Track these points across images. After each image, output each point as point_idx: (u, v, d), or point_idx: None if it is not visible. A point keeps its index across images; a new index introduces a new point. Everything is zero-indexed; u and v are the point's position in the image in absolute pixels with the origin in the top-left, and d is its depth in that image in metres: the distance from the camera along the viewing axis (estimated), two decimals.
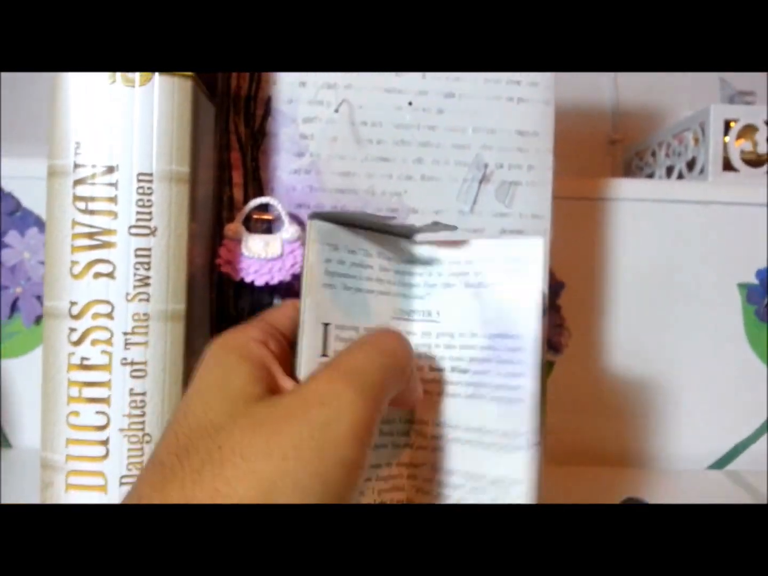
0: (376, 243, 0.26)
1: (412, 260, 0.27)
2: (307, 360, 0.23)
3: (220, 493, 0.18)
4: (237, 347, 0.23)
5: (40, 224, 0.46)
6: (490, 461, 0.24)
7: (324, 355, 0.24)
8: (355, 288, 0.25)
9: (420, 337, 0.26)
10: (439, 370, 0.26)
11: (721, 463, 0.51)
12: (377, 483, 0.25)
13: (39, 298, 0.47)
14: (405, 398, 0.24)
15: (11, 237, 0.46)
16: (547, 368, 0.49)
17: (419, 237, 0.27)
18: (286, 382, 0.23)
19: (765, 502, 0.46)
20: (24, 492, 0.39)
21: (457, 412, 0.25)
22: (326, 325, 0.24)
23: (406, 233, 0.27)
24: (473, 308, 0.25)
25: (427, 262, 0.27)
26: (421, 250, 0.27)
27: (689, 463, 0.50)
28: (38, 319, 0.47)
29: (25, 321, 0.47)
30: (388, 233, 0.27)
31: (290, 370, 0.23)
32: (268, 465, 0.19)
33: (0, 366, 0.47)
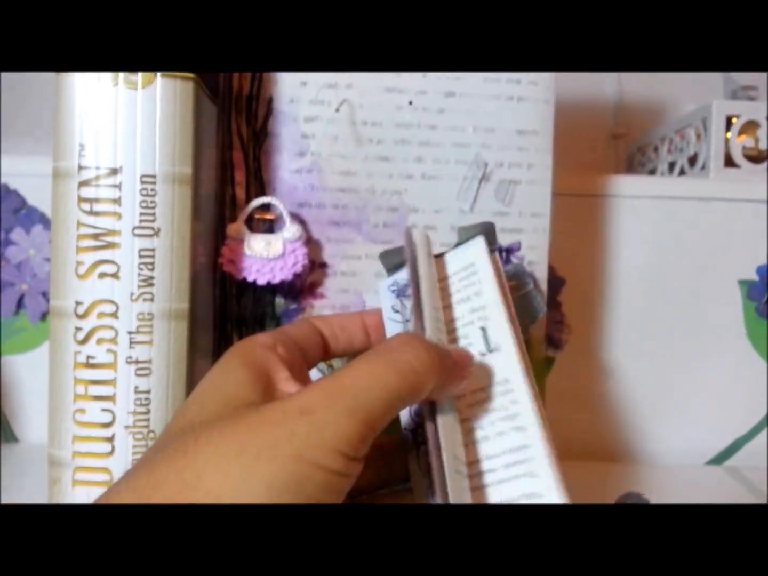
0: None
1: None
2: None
3: (188, 485, 0.18)
4: (242, 353, 0.24)
5: (44, 221, 0.47)
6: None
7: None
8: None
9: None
10: None
11: (719, 459, 0.51)
12: None
13: (44, 294, 0.47)
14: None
15: (16, 234, 0.47)
16: (546, 364, 0.49)
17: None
18: (288, 386, 0.23)
19: (763, 498, 0.46)
20: (29, 486, 0.40)
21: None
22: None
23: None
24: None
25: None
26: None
27: (688, 458, 0.50)
28: (44, 316, 0.48)
29: (30, 318, 0.47)
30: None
31: (298, 375, 0.24)
32: (240, 463, 0.18)
33: (2, 362, 0.47)
